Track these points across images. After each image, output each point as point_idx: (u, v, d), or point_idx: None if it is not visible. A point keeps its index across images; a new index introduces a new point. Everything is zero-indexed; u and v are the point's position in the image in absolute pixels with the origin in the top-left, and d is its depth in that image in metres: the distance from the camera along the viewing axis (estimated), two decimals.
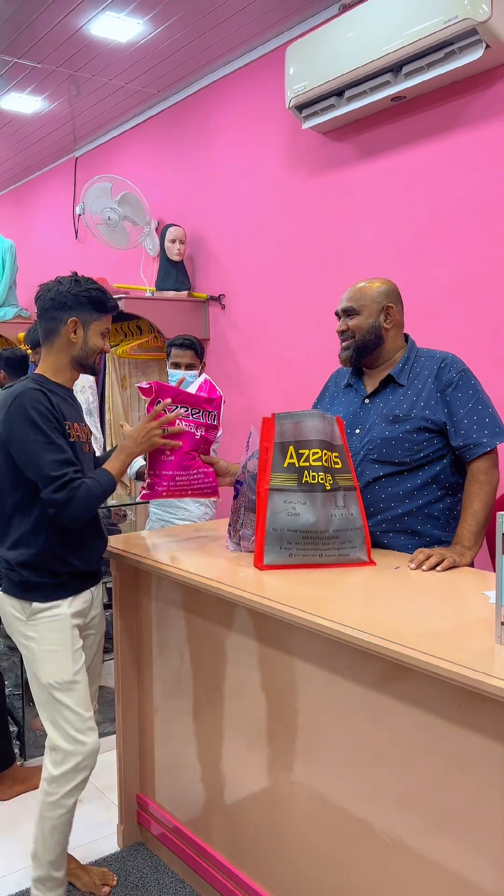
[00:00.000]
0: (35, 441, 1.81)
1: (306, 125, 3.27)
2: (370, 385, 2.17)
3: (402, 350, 2.15)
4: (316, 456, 1.89)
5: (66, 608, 1.92)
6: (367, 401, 2.15)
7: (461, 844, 1.35)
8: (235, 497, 2.05)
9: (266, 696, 1.78)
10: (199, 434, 2.13)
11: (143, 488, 2.11)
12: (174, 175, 4.36)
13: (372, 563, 1.90)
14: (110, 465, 1.94)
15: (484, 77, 2.74)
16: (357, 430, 2.13)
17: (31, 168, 5.68)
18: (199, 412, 2.14)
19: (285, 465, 1.89)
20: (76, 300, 1.92)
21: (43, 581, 1.90)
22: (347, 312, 2.14)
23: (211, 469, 2.17)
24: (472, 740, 1.31)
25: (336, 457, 1.92)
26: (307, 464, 1.88)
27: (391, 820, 1.47)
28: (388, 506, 2.05)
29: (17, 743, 2.85)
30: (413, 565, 1.84)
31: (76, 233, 5.28)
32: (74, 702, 1.89)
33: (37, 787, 2.63)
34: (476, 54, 2.58)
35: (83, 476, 1.86)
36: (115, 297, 2.10)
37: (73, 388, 2.05)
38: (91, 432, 2.14)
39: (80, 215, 4.30)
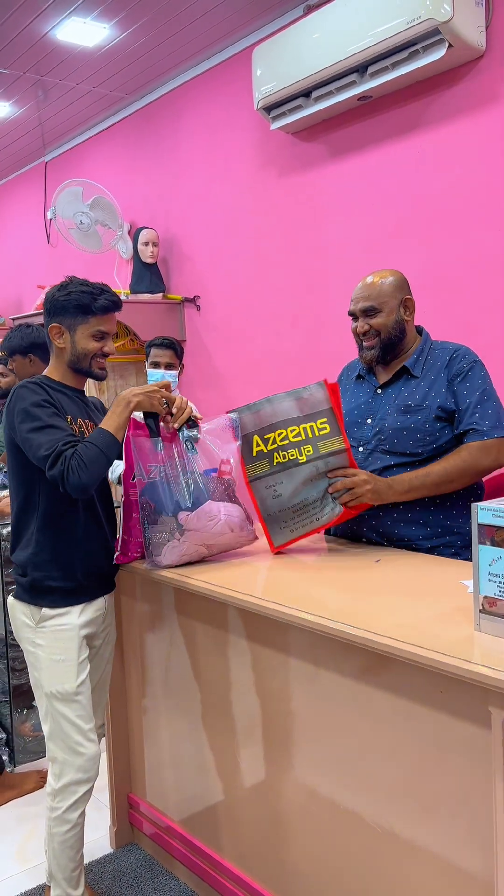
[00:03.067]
0: (28, 428, 1.80)
1: (274, 126, 3.30)
2: (383, 376, 2.15)
3: (417, 341, 2.14)
4: (282, 436, 1.96)
5: (75, 618, 1.89)
6: (379, 391, 2.13)
7: (450, 829, 1.38)
8: (138, 513, 1.94)
9: (252, 692, 1.80)
10: None
11: (117, 549, 2.00)
12: (145, 178, 4.37)
13: (350, 512, 1.97)
14: (105, 422, 1.84)
15: (447, 76, 2.78)
16: (369, 420, 2.11)
17: (1, 174, 5.65)
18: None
19: (254, 454, 1.98)
20: (57, 305, 1.92)
21: (53, 585, 1.88)
22: (367, 313, 2.08)
23: None
24: (456, 726, 1.34)
25: (323, 422, 1.94)
26: (275, 446, 1.97)
27: (381, 809, 1.51)
28: None
29: (7, 749, 2.85)
30: (331, 490, 1.93)
31: (48, 237, 5.27)
32: (75, 713, 1.87)
33: (28, 793, 2.65)
34: (439, 53, 2.62)
35: (75, 444, 1.78)
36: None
37: None
38: None
39: (51, 220, 4.30)
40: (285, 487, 1.96)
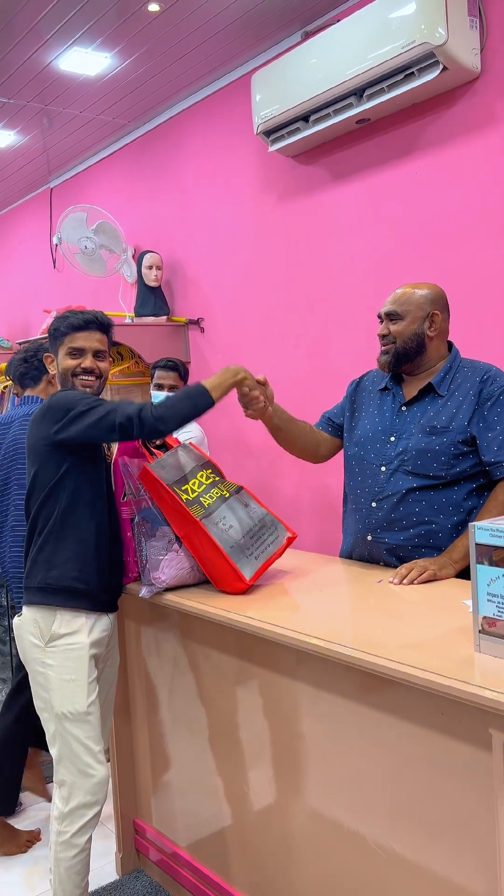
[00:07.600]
0: (86, 403, 1.85)
1: (273, 148, 3.33)
2: (409, 392, 2.09)
3: (444, 359, 2.08)
4: (197, 483, 1.96)
5: (85, 636, 1.89)
6: (404, 408, 2.08)
7: (453, 853, 1.36)
8: (133, 535, 1.99)
9: (256, 715, 1.79)
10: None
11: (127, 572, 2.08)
12: (148, 202, 4.42)
13: (294, 534, 2.05)
14: (206, 380, 1.91)
15: (444, 98, 2.81)
16: (392, 438, 2.05)
17: (7, 200, 5.73)
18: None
19: (184, 501, 1.91)
20: (49, 337, 2.07)
21: (67, 585, 1.89)
22: (390, 316, 2.06)
23: None
24: (457, 748, 1.33)
25: (211, 472, 2.02)
26: (195, 494, 1.94)
27: (386, 833, 1.49)
28: (422, 520, 1.98)
29: None
30: (396, 580, 1.85)
31: (54, 262, 5.32)
32: (85, 734, 1.87)
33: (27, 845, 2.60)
34: (433, 75, 2.65)
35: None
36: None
37: None
38: None
39: (57, 245, 4.34)
40: (232, 518, 1.93)
